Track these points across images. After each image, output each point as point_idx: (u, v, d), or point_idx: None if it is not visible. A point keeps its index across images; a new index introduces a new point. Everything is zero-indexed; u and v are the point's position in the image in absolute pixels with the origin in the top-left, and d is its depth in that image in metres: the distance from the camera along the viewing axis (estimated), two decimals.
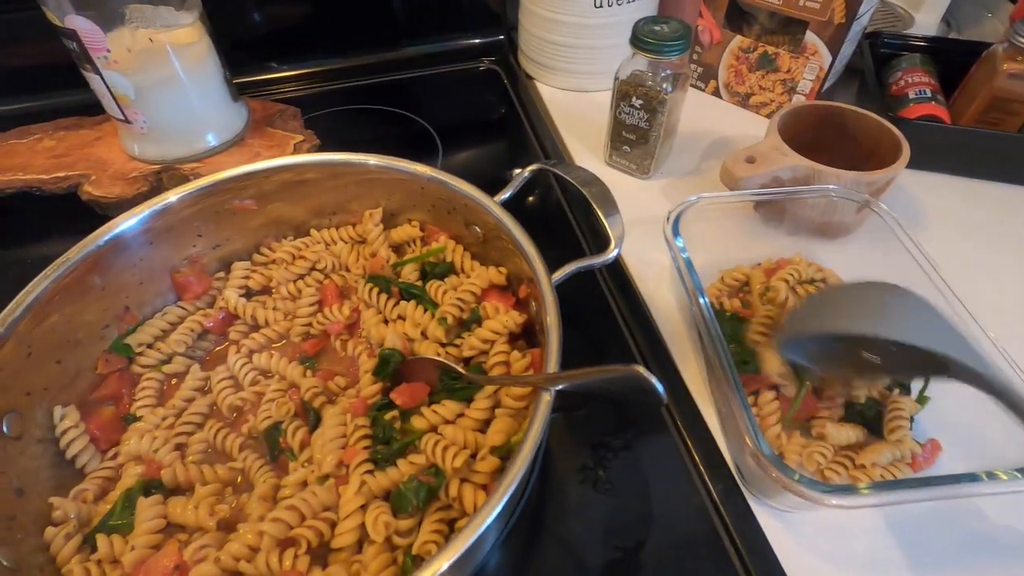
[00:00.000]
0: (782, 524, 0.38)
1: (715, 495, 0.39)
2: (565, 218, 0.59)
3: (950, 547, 0.37)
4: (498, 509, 0.27)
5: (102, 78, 0.53)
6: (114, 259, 0.41)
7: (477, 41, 0.85)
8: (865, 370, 0.38)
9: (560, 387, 0.30)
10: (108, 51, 0.51)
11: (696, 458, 0.41)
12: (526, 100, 0.76)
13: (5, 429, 0.34)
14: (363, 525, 0.32)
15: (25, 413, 0.36)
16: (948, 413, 0.42)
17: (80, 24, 0.49)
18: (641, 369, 0.23)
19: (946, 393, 0.41)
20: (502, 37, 0.85)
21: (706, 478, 0.40)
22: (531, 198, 0.63)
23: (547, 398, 0.30)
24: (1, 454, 0.33)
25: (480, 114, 0.77)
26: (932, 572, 0.36)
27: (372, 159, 0.45)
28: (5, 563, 0.29)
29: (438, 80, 0.81)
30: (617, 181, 0.63)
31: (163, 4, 0.52)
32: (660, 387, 0.23)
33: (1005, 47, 0.59)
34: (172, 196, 0.42)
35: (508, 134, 0.73)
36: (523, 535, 0.38)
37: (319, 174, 0.46)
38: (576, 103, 0.74)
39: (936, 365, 0.34)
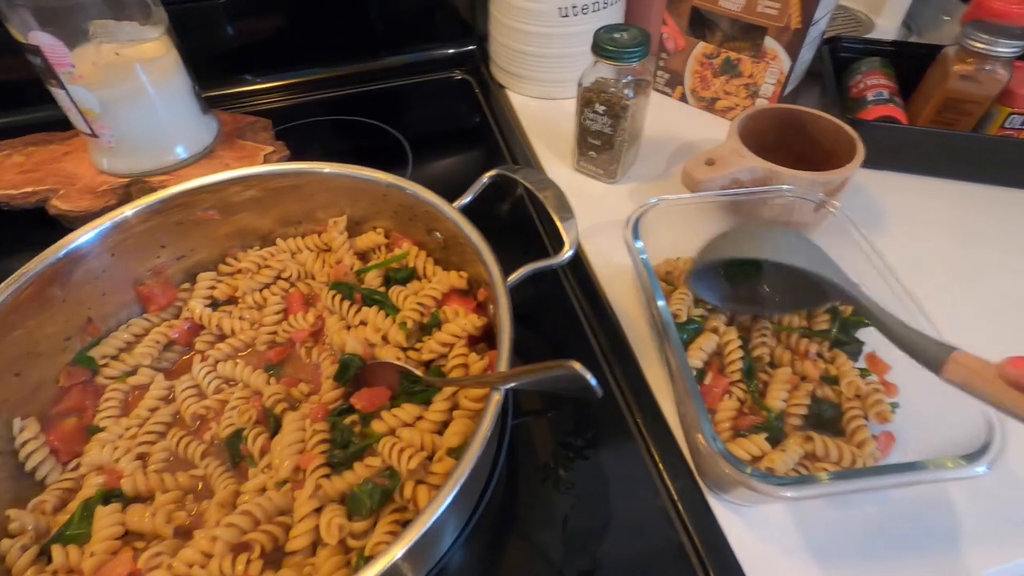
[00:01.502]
0: (740, 519, 0.39)
1: (673, 492, 0.39)
2: (531, 223, 0.60)
3: (907, 537, 0.38)
4: (447, 501, 0.27)
5: (67, 93, 0.53)
6: (74, 271, 0.41)
7: (450, 51, 0.86)
8: (763, 304, 0.47)
9: (509, 385, 0.30)
10: (72, 66, 0.52)
11: (656, 456, 0.41)
12: (497, 109, 0.77)
13: None
14: (315, 530, 0.33)
15: None
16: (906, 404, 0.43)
17: (44, 40, 0.50)
18: (576, 364, 0.24)
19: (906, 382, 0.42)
20: (474, 47, 0.86)
21: (665, 476, 0.40)
22: (496, 208, 0.63)
23: (497, 397, 0.31)
24: None
25: (453, 123, 0.78)
26: (890, 562, 0.37)
27: (327, 167, 0.45)
28: None
29: (411, 90, 0.82)
30: (585, 186, 0.64)
31: (127, 19, 0.53)
32: (594, 381, 0.24)
33: (956, 49, 0.61)
34: (128, 210, 0.42)
35: (479, 143, 0.74)
36: (487, 535, 0.38)
37: (281, 184, 0.47)
38: (545, 110, 0.75)
39: (819, 295, 0.42)
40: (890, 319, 0.37)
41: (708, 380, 0.44)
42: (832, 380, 0.44)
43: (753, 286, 0.48)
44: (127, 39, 0.53)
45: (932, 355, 0.32)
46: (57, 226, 0.58)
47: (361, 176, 0.45)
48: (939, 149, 0.62)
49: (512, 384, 0.30)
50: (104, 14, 0.52)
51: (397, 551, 0.26)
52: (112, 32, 0.52)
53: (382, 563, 0.26)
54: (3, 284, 0.37)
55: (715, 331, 0.45)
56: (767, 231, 0.43)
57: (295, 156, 0.66)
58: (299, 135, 0.72)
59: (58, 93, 0.54)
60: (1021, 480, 0.41)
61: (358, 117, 0.76)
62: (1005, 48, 0.57)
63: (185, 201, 0.44)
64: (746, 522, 0.39)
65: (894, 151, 0.62)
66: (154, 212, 0.44)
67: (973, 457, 0.34)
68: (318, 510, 0.33)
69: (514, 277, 0.38)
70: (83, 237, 0.40)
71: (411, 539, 0.26)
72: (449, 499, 0.28)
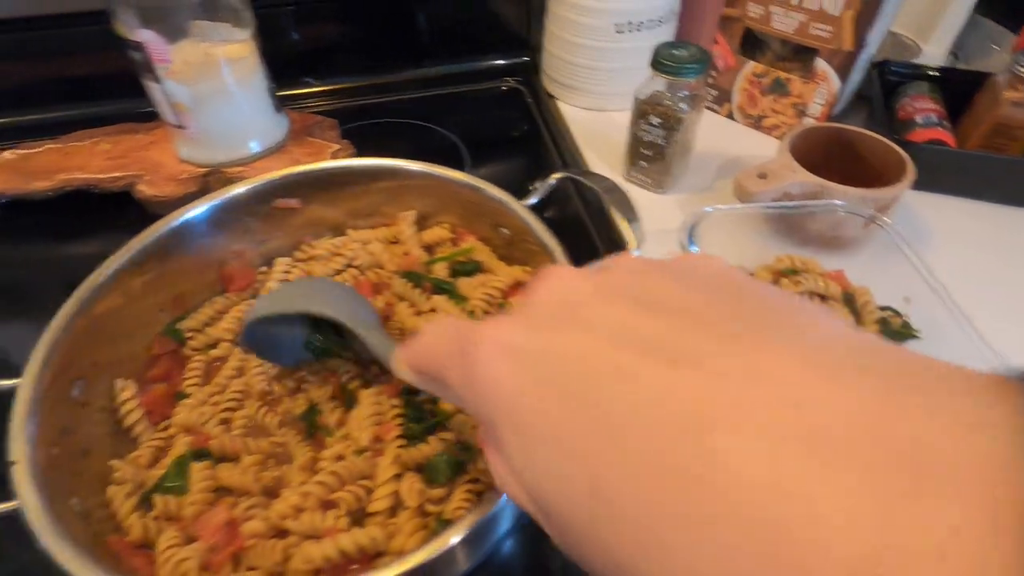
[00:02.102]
0: None
1: None
2: (584, 227, 0.63)
3: None
4: None
5: (161, 87, 0.58)
6: (174, 247, 0.45)
7: (502, 62, 0.90)
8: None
9: None
10: (170, 62, 0.56)
11: None
12: (548, 118, 0.80)
13: (76, 393, 0.37)
14: (395, 494, 0.35)
15: (91, 382, 0.39)
16: None
17: (147, 37, 0.54)
18: None
19: None
20: (527, 59, 0.89)
21: None
22: (550, 211, 0.66)
23: None
24: (71, 416, 0.36)
25: (504, 130, 0.82)
26: None
27: (414, 165, 0.49)
28: (77, 509, 0.32)
29: (464, 98, 0.86)
30: (634, 195, 0.66)
31: (221, 21, 0.57)
32: None
33: (1007, 77, 0.62)
34: (240, 188, 0.46)
35: (530, 149, 0.78)
36: (531, 532, 0.40)
37: (362, 178, 0.50)
38: (596, 121, 0.78)
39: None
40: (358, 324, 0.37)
41: None
42: None
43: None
44: (219, 39, 0.57)
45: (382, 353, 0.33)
46: (140, 210, 0.62)
47: (440, 175, 0.48)
48: (989, 173, 0.63)
49: None
50: (201, 15, 0.56)
51: (477, 515, 0.28)
52: (207, 32, 0.56)
53: (465, 523, 0.28)
54: (120, 251, 0.41)
55: None
56: (314, 283, 0.44)
57: (359, 155, 0.70)
58: (359, 136, 0.75)
59: (152, 87, 0.58)
60: None
61: (416, 121, 0.79)
62: None
63: (284, 186, 0.48)
64: None
65: (943, 173, 0.64)
66: (259, 193, 0.48)
67: None
68: (397, 476, 0.35)
69: None
70: (196, 210, 0.44)
71: (493, 504, 0.28)
72: None
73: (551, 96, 0.83)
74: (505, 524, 0.38)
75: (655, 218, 0.64)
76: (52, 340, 0.35)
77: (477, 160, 0.73)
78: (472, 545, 0.31)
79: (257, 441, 0.41)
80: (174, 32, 0.55)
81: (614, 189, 0.45)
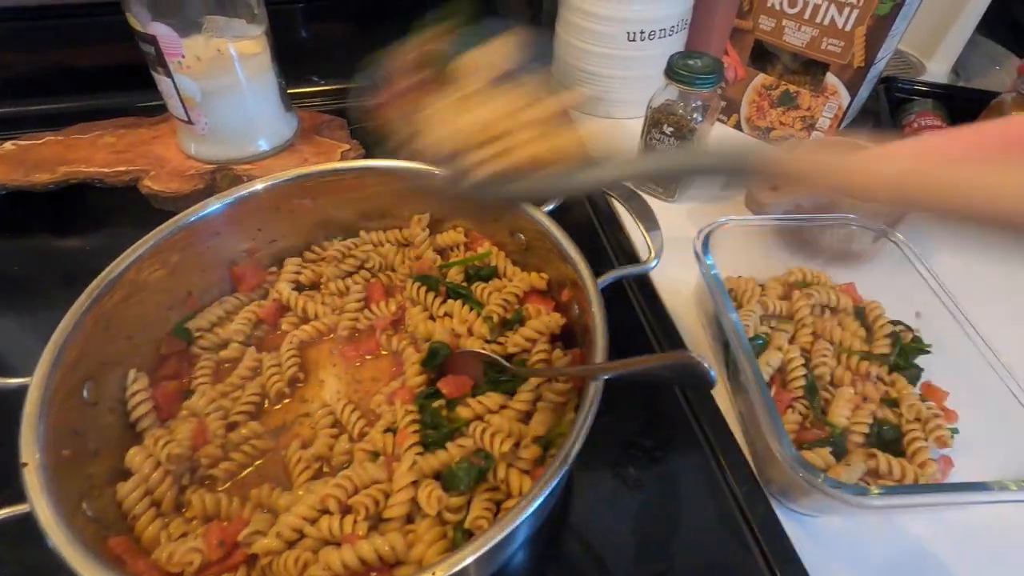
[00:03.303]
0: (803, 529, 0.40)
1: (740, 498, 0.41)
2: (596, 234, 0.63)
3: (964, 556, 0.39)
4: (555, 483, 0.29)
5: (173, 81, 0.57)
6: (184, 246, 0.44)
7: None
8: None
9: (610, 376, 0.32)
10: (183, 56, 0.55)
11: (721, 461, 0.43)
12: None
13: (86, 394, 0.36)
14: (412, 501, 0.34)
15: (101, 382, 0.38)
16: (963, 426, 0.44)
17: (160, 30, 0.53)
18: (694, 354, 0.26)
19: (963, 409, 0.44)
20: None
21: (731, 481, 0.42)
22: (563, 219, 0.66)
23: (597, 386, 0.33)
24: (82, 417, 0.36)
25: None
26: None
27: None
28: (89, 513, 0.32)
29: None
30: None
31: (235, 17, 0.57)
32: (712, 371, 0.26)
33: (1013, 96, 0.63)
34: (258, 184, 0.46)
35: None
36: (548, 535, 0.39)
37: (376, 179, 0.50)
38: (607, 129, 0.78)
39: None
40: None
41: (772, 394, 0.45)
42: (892, 403, 0.46)
43: None
44: (232, 35, 0.57)
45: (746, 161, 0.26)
46: (139, 205, 0.61)
47: None
48: None
49: (616, 374, 0.32)
50: (215, 10, 0.55)
51: (499, 530, 0.27)
52: (221, 28, 0.56)
53: (491, 534, 0.28)
54: (131, 248, 0.40)
55: (779, 349, 0.47)
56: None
57: (366, 156, 0.69)
58: (368, 136, 0.75)
59: (163, 81, 0.58)
60: None
61: None
62: None
63: (299, 186, 0.47)
64: (809, 532, 0.40)
65: None
66: (277, 190, 0.47)
67: None
68: (414, 484, 0.35)
69: (604, 279, 0.40)
70: (214, 206, 0.44)
71: (521, 514, 0.28)
72: (556, 480, 0.29)
73: None
74: (521, 536, 0.38)
75: (665, 227, 0.62)
76: (62, 338, 0.35)
77: None
78: (487, 561, 0.30)
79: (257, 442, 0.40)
80: (187, 26, 0.55)
81: (633, 197, 0.45)
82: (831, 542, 0.40)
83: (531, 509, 0.28)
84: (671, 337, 0.52)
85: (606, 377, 0.33)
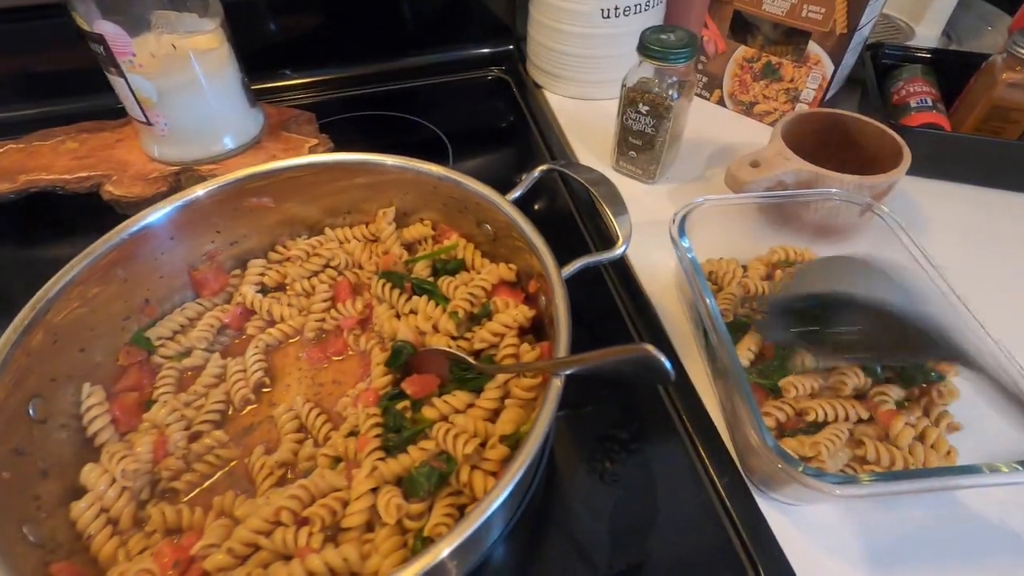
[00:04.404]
0: (786, 518, 0.39)
1: (720, 488, 0.40)
2: (572, 220, 0.61)
3: (955, 544, 0.38)
4: (508, 490, 0.28)
5: (126, 81, 0.55)
6: (137, 252, 0.42)
7: (487, 51, 0.87)
8: (845, 349, 0.41)
9: (570, 371, 0.31)
10: (133, 55, 0.53)
11: (702, 452, 0.42)
12: (534, 108, 0.78)
13: (32, 412, 0.35)
14: (372, 508, 0.33)
15: (50, 398, 0.37)
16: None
17: (108, 29, 0.51)
18: (650, 347, 0.24)
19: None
20: (511, 47, 0.87)
21: (711, 471, 0.40)
22: (537, 204, 0.64)
23: (557, 384, 0.31)
24: (28, 437, 0.34)
25: (489, 121, 0.79)
26: (938, 568, 0.37)
27: (389, 159, 0.46)
28: (32, 539, 0.30)
29: (448, 88, 0.83)
30: (623, 185, 0.64)
31: (187, 11, 0.54)
32: (668, 364, 0.24)
33: (1004, 57, 0.60)
34: (199, 190, 0.44)
35: (517, 140, 0.75)
36: (530, 530, 0.38)
37: (336, 174, 0.48)
38: (583, 110, 0.76)
39: (912, 344, 0.37)
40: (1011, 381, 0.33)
41: (757, 378, 0.44)
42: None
43: (827, 327, 0.42)
44: (185, 31, 0.55)
45: None
46: (109, 211, 0.60)
47: (419, 169, 0.46)
48: (985, 157, 0.62)
49: (575, 369, 0.31)
50: (165, 5, 0.53)
51: (457, 538, 0.26)
52: (172, 23, 0.53)
53: (444, 544, 0.26)
54: (73, 261, 0.38)
55: (760, 332, 0.45)
56: (857, 265, 0.40)
57: (337, 150, 0.67)
58: (339, 130, 0.73)
59: (117, 81, 0.56)
60: None
61: (397, 113, 0.77)
62: None
63: (251, 186, 0.46)
64: (792, 521, 0.39)
65: (938, 158, 0.62)
66: (223, 194, 0.45)
67: None
68: (374, 490, 0.33)
69: (568, 269, 0.39)
70: (153, 216, 0.42)
71: (478, 519, 0.27)
72: (511, 486, 0.28)
73: (537, 86, 0.81)
74: (495, 533, 0.36)
75: (645, 209, 0.62)
76: (1, 357, 0.33)
77: (461, 153, 0.70)
78: (460, 559, 0.29)
79: (219, 453, 0.39)
80: (137, 24, 0.53)
81: (601, 181, 0.43)
82: (816, 531, 0.38)
83: (483, 518, 0.27)
84: (650, 325, 0.50)
85: (567, 373, 0.31)
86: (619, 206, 0.42)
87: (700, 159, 0.68)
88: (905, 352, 0.40)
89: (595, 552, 0.37)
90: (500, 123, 0.78)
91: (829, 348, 0.42)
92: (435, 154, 0.70)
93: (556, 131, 0.73)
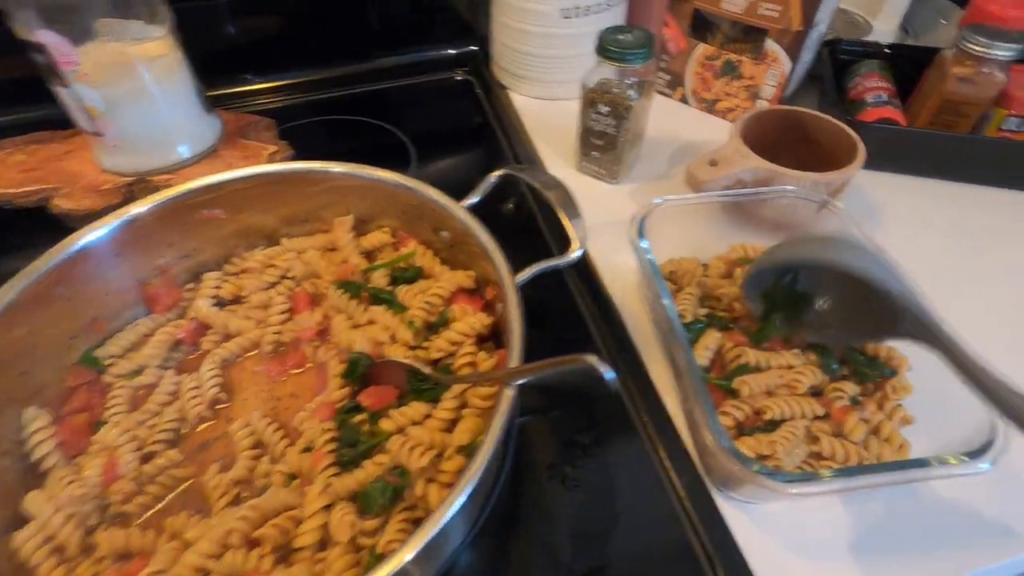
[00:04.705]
0: (746, 516, 0.39)
1: (680, 489, 0.40)
2: (535, 222, 0.60)
3: (913, 535, 0.38)
4: (460, 501, 0.27)
5: (71, 92, 0.53)
6: (81, 270, 0.41)
7: (451, 52, 0.86)
8: (818, 328, 0.43)
9: (521, 381, 0.31)
10: (77, 64, 0.51)
11: (662, 454, 0.42)
12: (499, 109, 0.77)
13: None
14: (326, 527, 0.33)
15: None
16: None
17: (49, 38, 0.50)
18: (591, 358, 0.24)
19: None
20: (475, 48, 0.86)
21: (671, 473, 0.41)
22: (509, 204, 0.64)
23: (509, 393, 0.31)
24: None
25: (454, 124, 0.79)
26: (896, 559, 0.37)
27: (336, 167, 0.46)
28: None
29: (413, 91, 0.82)
30: (587, 186, 0.65)
31: (133, 18, 0.53)
32: (609, 374, 0.24)
33: (954, 52, 0.61)
34: (141, 207, 0.42)
35: (482, 143, 0.75)
36: (494, 536, 0.38)
37: (289, 183, 0.47)
38: (548, 111, 0.76)
39: (888, 322, 0.37)
40: (984, 373, 0.33)
41: (712, 378, 0.44)
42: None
43: (810, 298, 0.44)
44: (132, 38, 0.53)
45: None
46: (59, 225, 0.58)
47: (371, 176, 0.45)
48: (937, 151, 0.63)
49: (524, 380, 0.30)
50: (110, 12, 0.51)
51: (409, 551, 0.26)
52: (117, 31, 0.52)
53: (395, 561, 0.26)
54: (11, 281, 0.37)
55: (718, 331, 0.46)
56: (833, 240, 0.41)
57: (298, 156, 0.66)
58: (302, 135, 0.72)
59: (61, 92, 0.54)
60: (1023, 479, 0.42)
61: (360, 117, 0.76)
62: (1002, 51, 0.58)
63: (197, 199, 0.44)
64: (752, 519, 0.39)
65: (893, 153, 0.63)
66: (166, 209, 0.44)
67: (976, 454, 0.34)
68: (328, 507, 0.33)
69: (523, 276, 0.38)
70: (93, 234, 0.40)
71: (427, 535, 0.26)
72: (464, 496, 0.28)
73: (502, 87, 0.80)
74: (455, 541, 0.36)
75: (609, 210, 0.62)
76: None
77: (425, 156, 0.70)
78: (420, 568, 0.29)
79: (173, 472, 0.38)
80: (80, 32, 0.51)
81: (555, 185, 0.43)
82: (775, 528, 0.39)
83: (434, 531, 0.26)
84: (613, 327, 0.50)
85: (518, 383, 0.31)
86: (573, 210, 0.42)
87: (664, 157, 0.69)
88: (871, 327, 0.41)
89: (560, 555, 0.37)
90: (465, 125, 0.78)
91: (802, 323, 0.44)
92: (398, 158, 0.69)
93: (521, 132, 0.73)
